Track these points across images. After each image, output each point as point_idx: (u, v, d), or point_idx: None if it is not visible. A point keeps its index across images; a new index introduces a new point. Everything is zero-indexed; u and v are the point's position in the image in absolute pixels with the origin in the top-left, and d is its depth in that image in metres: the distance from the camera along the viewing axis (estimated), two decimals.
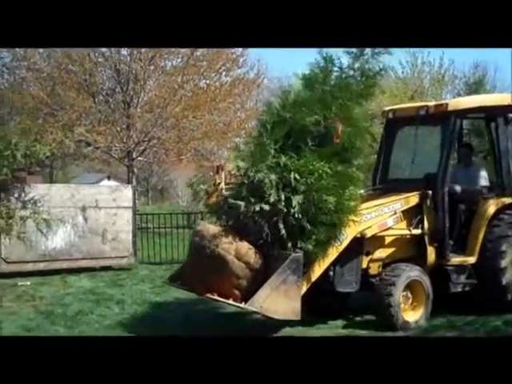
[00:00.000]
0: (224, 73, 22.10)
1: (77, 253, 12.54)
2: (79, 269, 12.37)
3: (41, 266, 12.19)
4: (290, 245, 7.17)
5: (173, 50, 20.56)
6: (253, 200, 7.27)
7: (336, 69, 8.18)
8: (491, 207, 8.63)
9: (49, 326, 8.15)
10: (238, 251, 7.16)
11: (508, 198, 8.78)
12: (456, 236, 8.60)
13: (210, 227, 7.48)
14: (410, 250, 8.47)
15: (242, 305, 6.88)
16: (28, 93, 20.64)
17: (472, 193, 8.84)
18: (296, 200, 7.15)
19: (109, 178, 45.84)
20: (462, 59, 52.61)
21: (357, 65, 8.19)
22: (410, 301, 7.95)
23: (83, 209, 12.66)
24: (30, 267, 12.05)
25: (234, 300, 7.13)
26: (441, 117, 8.63)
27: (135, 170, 22.95)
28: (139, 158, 22.54)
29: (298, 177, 7.27)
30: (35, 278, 11.63)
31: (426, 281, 8.04)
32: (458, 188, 8.60)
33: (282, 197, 7.21)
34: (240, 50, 21.99)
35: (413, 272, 7.98)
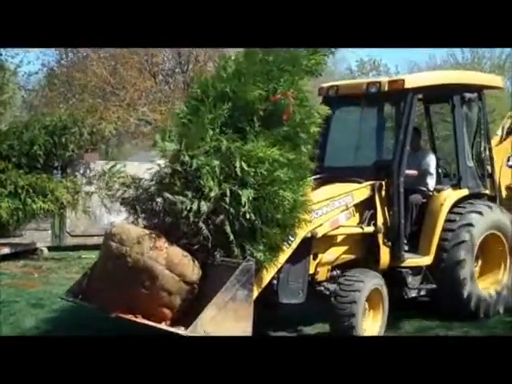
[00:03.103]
0: None
1: None
2: None
3: None
4: (237, 251, 5.70)
5: None
6: (188, 194, 5.72)
7: None
8: (446, 201, 7.59)
9: None
10: (170, 260, 5.59)
11: (463, 190, 7.80)
12: (407, 234, 7.50)
13: (131, 228, 5.83)
14: (361, 251, 7.24)
15: (179, 331, 5.34)
16: (92, 72, 20.54)
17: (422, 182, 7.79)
18: (245, 196, 5.68)
19: None
20: None
21: None
22: (368, 312, 6.73)
23: None
24: (93, 241, 11.75)
25: (165, 322, 5.61)
26: (396, 95, 7.44)
27: None
28: None
29: (245, 166, 5.79)
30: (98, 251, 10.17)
31: (384, 288, 6.86)
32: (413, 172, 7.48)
33: (228, 191, 5.71)
34: None
35: (373, 280, 6.76)
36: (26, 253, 11.62)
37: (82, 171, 12.31)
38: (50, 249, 12.21)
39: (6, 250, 11.34)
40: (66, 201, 11.46)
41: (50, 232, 13.14)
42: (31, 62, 33.54)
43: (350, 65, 37.54)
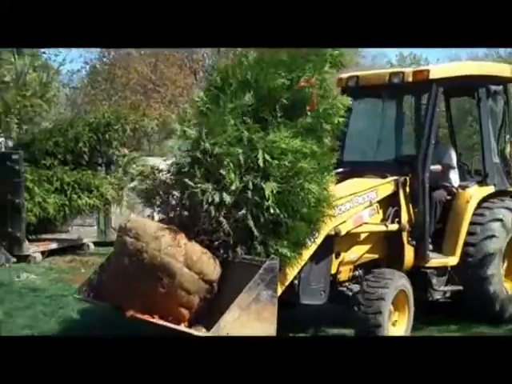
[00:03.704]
0: None
1: None
2: None
3: None
4: (260, 248, 5.35)
5: None
6: (209, 186, 5.38)
7: None
8: (472, 198, 7.25)
9: None
10: (189, 257, 5.24)
11: (490, 187, 7.46)
12: (432, 232, 7.15)
13: (148, 223, 5.48)
14: (384, 250, 6.90)
15: (200, 333, 4.98)
16: (133, 69, 20.95)
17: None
18: (269, 188, 5.33)
19: None
20: None
21: None
22: (393, 315, 6.37)
23: None
24: None
25: (183, 323, 5.26)
26: (420, 86, 7.10)
27: None
28: None
29: (268, 157, 5.45)
30: None
31: (410, 290, 6.51)
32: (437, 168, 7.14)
33: (250, 184, 5.37)
34: None
35: (400, 280, 6.41)
36: (73, 248, 11.62)
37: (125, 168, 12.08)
38: (95, 244, 12.19)
39: (54, 246, 11.36)
40: (110, 197, 11.57)
41: (95, 227, 13.36)
42: (74, 60, 34.48)
43: (390, 59, 36.85)
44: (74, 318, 6.99)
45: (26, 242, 10.63)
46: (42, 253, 10.85)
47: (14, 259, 10.21)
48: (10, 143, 12.56)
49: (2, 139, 12.89)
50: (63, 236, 12.44)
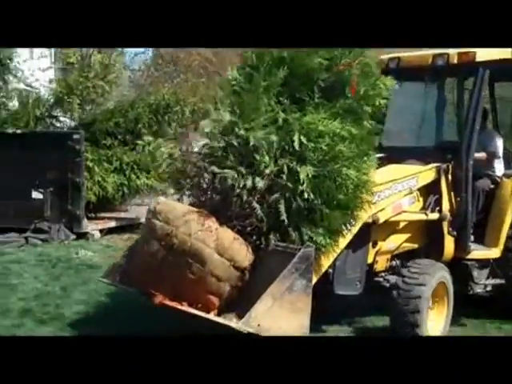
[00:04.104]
0: None
1: None
2: None
3: None
4: (294, 235, 5.10)
5: None
6: (242, 170, 5.13)
7: None
8: None
9: None
10: (220, 243, 5.00)
11: None
12: (474, 223, 6.81)
13: (178, 206, 5.26)
14: (424, 240, 6.59)
15: (231, 323, 4.76)
16: (195, 51, 20.94)
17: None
18: (304, 172, 5.07)
19: None
20: None
21: None
22: (431, 308, 6.07)
23: None
24: None
25: (212, 312, 5.04)
26: (465, 69, 6.75)
27: None
28: None
29: (304, 140, 5.18)
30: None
31: (450, 282, 6.20)
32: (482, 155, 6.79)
33: (285, 168, 5.11)
34: None
35: (440, 272, 6.10)
36: (131, 227, 11.59)
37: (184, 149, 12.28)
38: None
39: (112, 224, 11.62)
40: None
41: None
42: None
43: None
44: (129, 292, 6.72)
45: (85, 219, 10.86)
46: (101, 231, 11.10)
47: (74, 236, 10.43)
48: (72, 123, 12.81)
49: (65, 119, 13.31)
50: (122, 215, 12.66)
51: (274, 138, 5.08)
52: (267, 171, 5.10)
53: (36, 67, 16.44)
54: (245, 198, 5.08)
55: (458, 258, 6.59)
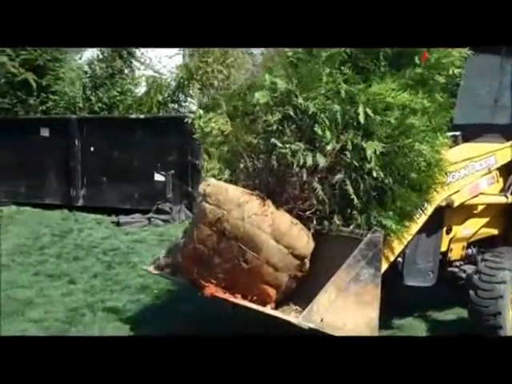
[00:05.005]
0: None
1: None
2: None
3: None
4: (360, 219, 4.55)
5: None
6: (301, 146, 4.59)
7: None
8: None
9: None
10: (276, 228, 4.49)
11: None
12: None
13: (230, 188, 4.76)
14: (503, 225, 5.96)
15: (291, 318, 4.24)
16: None
17: None
18: (371, 149, 4.50)
19: None
20: None
21: None
22: None
23: None
24: None
25: (269, 305, 4.55)
26: None
27: None
28: None
29: (370, 113, 4.61)
30: None
31: None
32: None
33: (349, 144, 4.55)
34: None
35: None
36: None
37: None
38: None
39: None
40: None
41: None
42: None
43: None
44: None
45: None
46: None
47: None
48: (194, 107, 13.26)
49: (186, 104, 13.94)
50: None
51: (336, 107, 4.52)
52: (329, 147, 4.55)
53: (163, 54, 16.72)
54: (304, 177, 4.55)
55: None
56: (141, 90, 15.40)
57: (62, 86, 14.38)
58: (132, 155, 12.10)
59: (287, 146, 4.53)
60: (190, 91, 14.18)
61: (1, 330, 5.60)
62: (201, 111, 5.47)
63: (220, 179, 5.13)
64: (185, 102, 14.35)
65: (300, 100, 4.58)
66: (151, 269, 5.60)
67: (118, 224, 11.04)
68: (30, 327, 5.68)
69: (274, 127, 4.69)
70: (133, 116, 13.26)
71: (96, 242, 9.45)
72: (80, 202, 12.75)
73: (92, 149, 12.56)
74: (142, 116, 13.00)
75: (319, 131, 4.57)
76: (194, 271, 4.82)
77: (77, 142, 12.64)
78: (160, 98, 13.98)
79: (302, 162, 4.52)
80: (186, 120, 10.19)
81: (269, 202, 4.58)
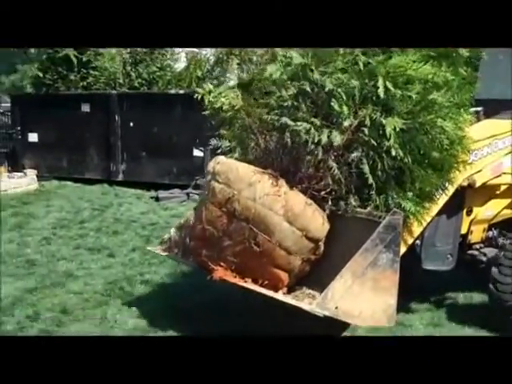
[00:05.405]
0: None
1: None
2: None
3: None
4: (378, 200, 4.29)
5: None
6: (316, 122, 4.33)
7: None
8: None
9: None
10: (290, 209, 4.25)
11: None
12: None
13: (240, 167, 4.50)
14: None
15: (304, 305, 4.01)
16: None
17: None
18: (391, 125, 4.22)
19: None
20: None
21: None
22: None
23: None
24: None
25: (281, 290, 4.32)
26: None
27: None
28: None
29: (390, 87, 4.32)
30: None
31: None
32: None
33: (367, 120, 4.28)
34: None
35: None
36: None
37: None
38: None
39: None
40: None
41: None
42: None
43: None
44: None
45: None
46: None
47: None
48: (232, 82, 12.75)
49: (224, 79, 13.77)
50: None
51: (354, 82, 4.25)
52: (346, 124, 4.28)
53: None
54: (320, 155, 4.29)
55: None
56: (180, 65, 15.44)
57: (102, 61, 14.44)
58: (171, 130, 12.15)
59: (301, 123, 4.26)
60: (229, 66, 14.19)
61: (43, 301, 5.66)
62: (210, 85, 5.17)
63: (231, 157, 4.89)
64: (223, 77, 14.31)
65: (316, 75, 4.30)
66: (158, 249, 5.41)
67: (156, 199, 11.08)
68: (70, 299, 5.73)
69: (289, 103, 4.42)
70: (172, 91, 13.37)
71: (135, 216, 9.58)
72: (120, 177, 12.92)
73: (132, 124, 12.66)
74: (181, 91, 13.03)
75: (336, 106, 4.30)
76: (202, 253, 4.60)
77: (117, 118, 12.78)
78: (199, 73, 14.09)
79: (317, 139, 4.25)
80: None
81: (282, 182, 4.33)
